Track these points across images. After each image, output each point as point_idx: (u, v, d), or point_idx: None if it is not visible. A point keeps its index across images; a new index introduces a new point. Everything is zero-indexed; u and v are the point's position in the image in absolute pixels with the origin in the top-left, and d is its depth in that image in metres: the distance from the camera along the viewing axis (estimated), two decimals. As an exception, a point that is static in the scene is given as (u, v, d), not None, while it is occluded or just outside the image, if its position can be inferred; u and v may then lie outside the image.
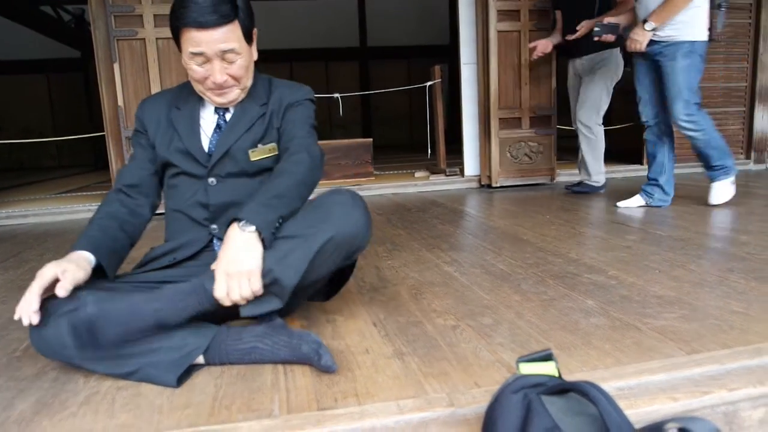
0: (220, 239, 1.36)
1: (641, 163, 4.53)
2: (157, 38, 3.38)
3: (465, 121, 4.11)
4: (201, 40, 1.25)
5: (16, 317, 1.11)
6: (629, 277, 1.67)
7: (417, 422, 0.93)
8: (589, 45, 3.31)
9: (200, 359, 1.15)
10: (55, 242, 2.77)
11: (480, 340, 1.24)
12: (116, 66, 3.37)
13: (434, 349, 1.20)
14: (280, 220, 1.17)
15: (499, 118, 3.91)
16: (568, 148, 6.04)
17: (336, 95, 4.28)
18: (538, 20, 3.86)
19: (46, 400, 1.06)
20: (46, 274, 1.12)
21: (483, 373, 1.08)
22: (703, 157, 2.81)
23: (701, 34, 2.66)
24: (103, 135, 3.56)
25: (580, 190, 3.56)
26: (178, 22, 1.27)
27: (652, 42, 2.71)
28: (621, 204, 2.92)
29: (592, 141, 3.51)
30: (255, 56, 1.40)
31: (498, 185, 3.96)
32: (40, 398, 1.07)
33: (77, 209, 3.63)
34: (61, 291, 1.10)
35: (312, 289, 1.35)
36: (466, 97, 4.08)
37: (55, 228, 3.25)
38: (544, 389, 0.78)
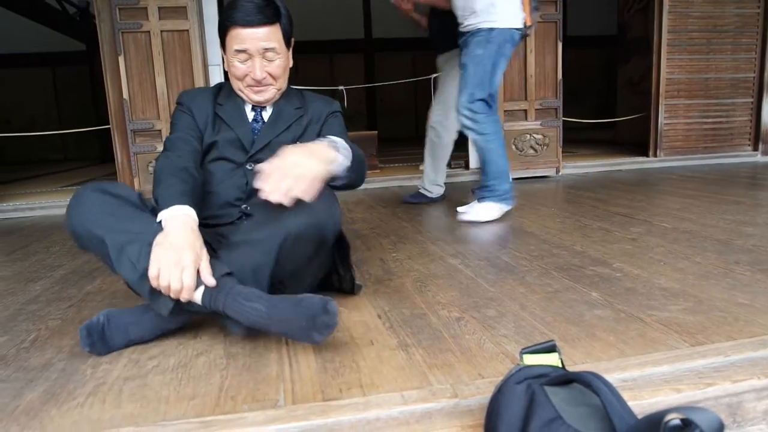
0: (249, 215, 1.45)
1: (647, 155, 4.51)
2: (161, 31, 3.38)
3: (470, 114, 4.09)
4: (246, 37, 1.39)
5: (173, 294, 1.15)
6: (634, 269, 1.67)
7: (421, 413, 0.93)
8: (445, 41, 2.99)
9: (198, 295, 1.16)
10: (61, 235, 2.79)
11: (484, 331, 1.25)
12: (121, 59, 3.37)
13: (438, 340, 1.21)
14: (347, 164, 1.28)
15: (505, 110, 3.90)
16: (574, 140, 6.02)
17: (341, 87, 4.27)
18: (544, 11, 3.83)
19: (54, 390, 1.07)
20: (190, 266, 1.14)
21: (487, 365, 1.08)
22: (482, 169, 2.56)
23: (503, 21, 2.39)
24: (109, 128, 3.57)
25: (412, 200, 3.17)
26: (228, 21, 1.41)
27: (460, 33, 2.51)
28: (460, 210, 2.60)
29: (435, 145, 3.10)
30: (291, 63, 1.53)
31: (503, 177, 3.94)
32: (48, 388, 1.08)
33: (83, 202, 3.65)
34: (210, 281, 1.16)
35: (310, 278, 1.38)
36: (471, 89, 4.06)
37: (62, 221, 3.26)
38: (547, 380, 0.78)
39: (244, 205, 1.48)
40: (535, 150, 4.00)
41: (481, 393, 0.96)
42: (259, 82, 1.45)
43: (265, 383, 1.05)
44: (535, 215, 2.62)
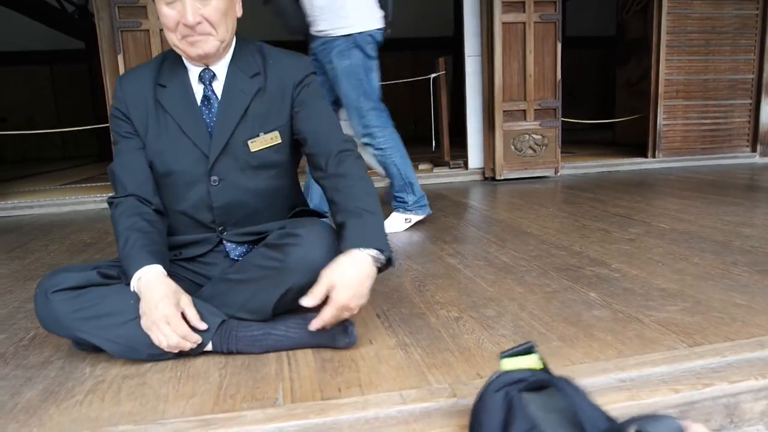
0: (230, 241, 1.33)
1: (645, 156, 4.52)
2: (160, 30, 3.37)
3: (469, 114, 4.10)
4: None
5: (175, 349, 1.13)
6: (632, 269, 1.67)
7: (419, 412, 0.93)
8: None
9: (209, 346, 1.16)
10: (60, 233, 2.79)
11: (483, 331, 1.25)
12: (120, 57, 3.37)
13: (437, 340, 1.21)
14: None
15: (504, 111, 3.90)
16: (573, 141, 6.03)
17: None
18: (543, 11, 3.83)
19: (53, 388, 1.07)
20: (173, 316, 1.10)
21: (485, 364, 1.08)
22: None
23: (361, 24, 2.23)
24: (107, 126, 3.57)
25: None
26: None
27: (313, 37, 2.33)
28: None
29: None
30: (239, 12, 1.29)
31: (502, 178, 3.95)
32: (47, 386, 1.08)
33: (82, 200, 3.64)
34: (201, 325, 1.14)
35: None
36: (470, 89, 4.07)
37: (60, 219, 3.26)
38: (524, 386, 0.79)
39: (221, 228, 1.32)
40: (534, 150, 4.01)
41: (479, 392, 0.97)
42: (192, 29, 1.17)
43: (264, 382, 1.05)
44: (534, 215, 2.62)
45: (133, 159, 1.29)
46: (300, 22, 2.34)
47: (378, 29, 2.30)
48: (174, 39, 1.22)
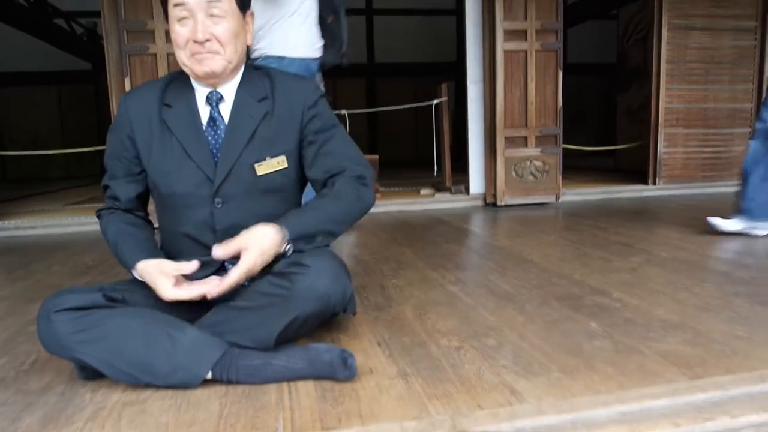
0: (232, 264, 1.32)
1: (646, 183, 4.54)
2: (168, 54, 3.43)
3: (471, 140, 4.13)
4: None
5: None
6: (633, 299, 1.67)
7: (420, 444, 0.93)
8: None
9: (209, 374, 1.16)
10: (62, 254, 2.80)
11: (483, 361, 1.25)
12: (127, 80, 3.41)
13: (438, 370, 1.21)
14: (313, 240, 1.26)
15: (505, 137, 3.93)
16: (574, 167, 6.06)
17: (344, 112, 4.32)
18: (545, 40, 3.89)
19: (53, 415, 1.07)
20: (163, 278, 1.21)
21: (486, 396, 1.08)
22: None
23: (294, 50, 2.31)
24: (113, 148, 3.60)
25: None
26: None
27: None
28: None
29: None
30: (249, 40, 1.34)
31: (503, 204, 3.97)
32: (47, 412, 1.08)
33: (85, 221, 3.66)
34: (191, 267, 1.22)
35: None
36: (472, 115, 4.11)
37: (63, 240, 3.27)
38: None
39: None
40: (535, 176, 4.03)
41: (480, 424, 0.97)
42: (202, 45, 1.21)
43: (265, 411, 1.05)
44: (535, 242, 2.63)
45: (123, 179, 1.36)
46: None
47: (312, 59, 2.40)
48: (183, 57, 1.26)
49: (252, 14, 1.35)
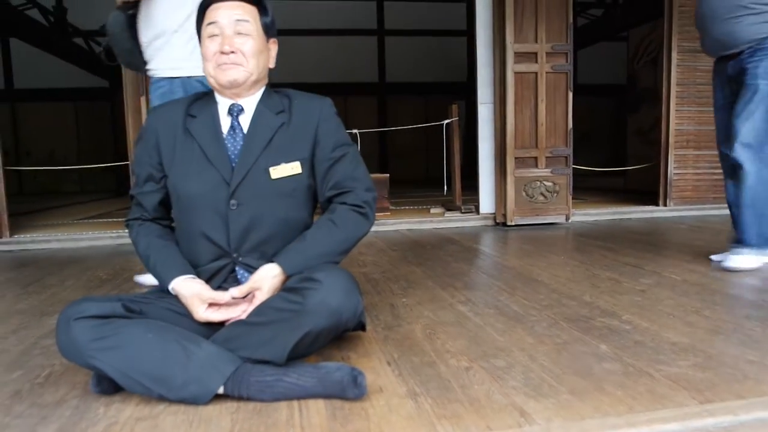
0: (244, 266, 1.39)
1: (656, 204, 4.53)
2: (184, 73, 3.49)
3: (481, 159, 4.16)
4: (218, 9, 1.38)
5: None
6: (643, 321, 1.67)
7: (429, 464, 0.94)
8: None
9: (220, 389, 1.17)
10: (76, 268, 2.83)
11: (493, 382, 1.25)
12: (143, 99, 3.48)
13: (447, 390, 1.22)
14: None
15: (516, 157, 3.95)
16: (585, 188, 6.06)
17: (355, 131, 4.36)
18: (555, 62, 3.93)
19: (67, 428, 1.09)
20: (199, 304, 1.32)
21: (495, 417, 1.08)
22: None
23: (182, 70, 2.17)
24: (126, 164, 3.66)
25: None
26: (204, 3, 1.41)
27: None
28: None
29: None
30: (272, 64, 1.49)
31: (513, 224, 3.97)
32: (61, 426, 1.10)
33: (99, 236, 3.71)
34: (225, 297, 1.31)
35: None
36: (482, 135, 4.14)
37: (77, 254, 3.32)
38: None
39: (235, 254, 1.39)
40: (545, 197, 4.04)
41: (489, 446, 0.97)
42: (227, 56, 1.36)
43: (275, 428, 1.06)
44: (545, 263, 2.63)
45: (148, 187, 1.46)
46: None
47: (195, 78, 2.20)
48: (209, 68, 1.40)
49: (275, 42, 1.49)
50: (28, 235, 3.71)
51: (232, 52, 1.36)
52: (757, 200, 2.37)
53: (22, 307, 2.06)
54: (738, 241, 2.43)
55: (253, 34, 1.39)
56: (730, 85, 2.46)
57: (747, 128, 2.33)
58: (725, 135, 2.50)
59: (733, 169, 2.46)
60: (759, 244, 2.37)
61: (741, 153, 2.36)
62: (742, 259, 2.35)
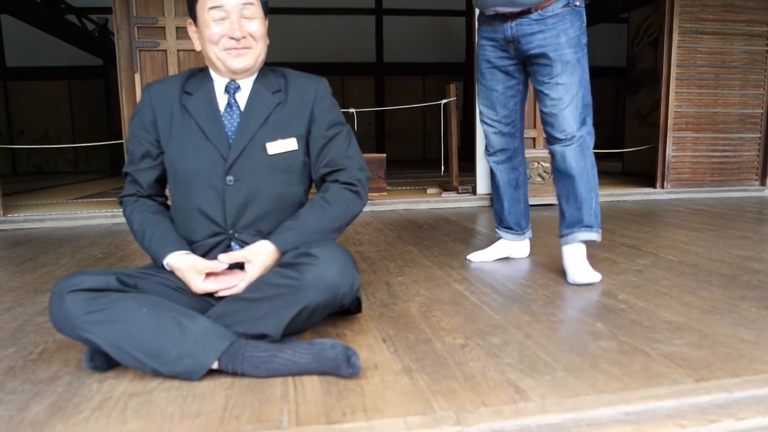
0: (239, 242, 1.38)
1: (654, 186, 4.52)
2: (178, 50, 3.46)
3: (478, 140, 4.13)
4: None
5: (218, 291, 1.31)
6: (639, 301, 1.67)
7: (424, 439, 0.93)
8: None
9: (215, 364, 1.16)
10: (70, 247, 2.82)
11: (488, 359, 1.25)
12: (137, 76, 3.44)
13: (443, 367, 1.21)
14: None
15: (513, 138, 3.92)
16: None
17: (351, 110, 4.32)
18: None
19: (60, 404, 1.08)
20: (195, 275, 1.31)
21: (491, 393, 1.08)
22: None
23: None
24: (121, 143, 3.62)
25: None
26: None
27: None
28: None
29: None
30: (267, 41, 1.45)
31: (510, 204, 3.95)
32: (54, 402, 1.09)
33: (93, 215, 3.68)
34: (222, 265, 1.31)
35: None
36: (480, 116, 4.10)
37: (72, 233, 3.30)
38: None
39: (231, 230, 1.38)
40: (543, 178, 4.03)
41: (484, 421, 0.97)
42: (238, 41, 1.34)
43: (270, 404, 1.06)
44: (542, 243, 2.62)
45: (143, 164, 1.44)
46: None
47: None
48: (216, 51, 1.37)
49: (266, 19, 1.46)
50: (22, 215, 3.69)
51: (243, 37, 1.35)
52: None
53: (16, 285, 2.05)
54: None
55: (257, 16, 1.37)
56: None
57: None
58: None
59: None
60: None
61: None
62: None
